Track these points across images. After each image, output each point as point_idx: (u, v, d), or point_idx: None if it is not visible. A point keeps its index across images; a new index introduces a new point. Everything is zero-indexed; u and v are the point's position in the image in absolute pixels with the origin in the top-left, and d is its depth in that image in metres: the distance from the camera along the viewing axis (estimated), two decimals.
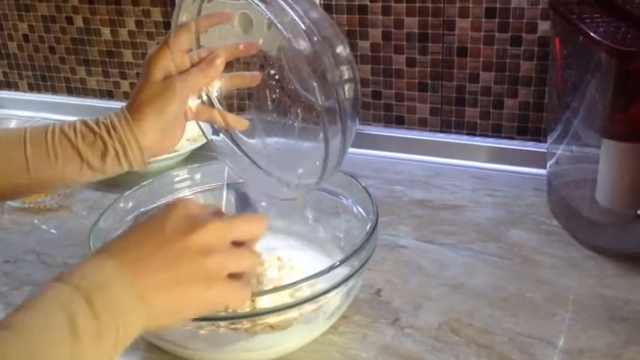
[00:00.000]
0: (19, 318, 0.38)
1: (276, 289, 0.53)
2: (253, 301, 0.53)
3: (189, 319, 0.46)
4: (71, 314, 0.38)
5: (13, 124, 1.17)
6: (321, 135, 0.51)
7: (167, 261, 0.43)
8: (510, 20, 0.87)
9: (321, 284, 0.54)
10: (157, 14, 1.07)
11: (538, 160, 0.87)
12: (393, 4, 0.92)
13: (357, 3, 0.94)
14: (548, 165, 0.81)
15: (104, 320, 0.39)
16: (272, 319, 0.53)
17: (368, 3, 0.93)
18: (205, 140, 0.98)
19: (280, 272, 0.63)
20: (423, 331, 0.60)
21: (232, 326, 0.54)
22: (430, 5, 0.90)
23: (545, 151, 0.83)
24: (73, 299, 0.39)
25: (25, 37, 1.21)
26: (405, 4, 0.91)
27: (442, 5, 0.89)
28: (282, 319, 0.54)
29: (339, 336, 0.60)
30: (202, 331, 0.54)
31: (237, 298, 0.47)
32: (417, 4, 0.90)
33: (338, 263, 0.55)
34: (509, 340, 0.59)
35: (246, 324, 0.53)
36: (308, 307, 0.54)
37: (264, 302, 0.53)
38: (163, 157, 0.93)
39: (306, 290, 0.54)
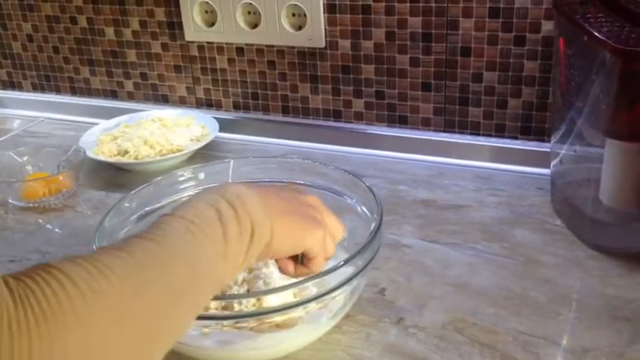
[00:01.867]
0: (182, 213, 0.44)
1: (282, 288, 0.53)
2: (259, 299, 0.53)
3: (300, 248, 0.52)
4: (219, 210, 0.44)
5: (16, 124, 1.18)
6: None
7: (289, 199, 0.53)
8: (514, 20, 0.87)
9: (325, 283, 0.54)
10: (160, 14, 1.08)
11: (541, 159, 0.87)
12: (396, 4, 0.92)
13: (360, 3, 0.94)
14: (551, 165, 0.81)
15: (244, 224, 0.45)
16: (279, 318, 0.53)
17: (371, 3, 0.93)
18: (209, 140, 0.99)
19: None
20: (427, 331, 0.60)
21: (238, 325, 0.54)
22: (433, 5, 0.90)
23: (548, 150, 0.83)
24: (219, 201, 0.45)
25: (29, 37, 1.21)
26: (408, 4, 0.91)
27: (445, 5, 0.89)
28: (288, 317, 0.54)
29: (344, 335, 0.60)
30: (206, 330, 0.55)
31: (331, 250, 0.55)
32: (421, 4, 0.91)
33: (343, 263, 0.55)
34: (513, 339, 0.59)
35: (252, 322, 0.53)
36: (313, 306, 0.54)
37: (270, 301, 0.53)
38: (168, 157, 0.94)
39: (311, 289, 0.54)
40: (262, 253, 0.48)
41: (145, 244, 0.40)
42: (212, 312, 0.54)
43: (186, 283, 0.40)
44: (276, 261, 0.55)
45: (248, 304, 0.54)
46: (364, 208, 0.66)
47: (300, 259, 0.54)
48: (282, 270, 0.54)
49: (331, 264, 0.55)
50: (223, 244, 0.43)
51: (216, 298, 0.56)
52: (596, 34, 0.62)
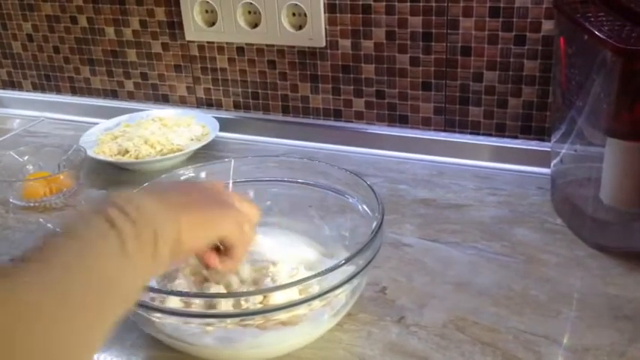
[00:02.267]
0: (66, 228, 0.41)
1: (287, 285, 0.53)
2: (265, 296, 0.53)
3: (213, 235, 0.51)
4: (110, 219, 0.41)
5: (16, 124, 1.18)
6: None
7: (190, 192, 0.51)
8: (514, 19, 0.87)
9: (327, 282, 0.54)
10: (161, 14, 1.08)
11: (541, 159, 0.87)
12: (396, 3, 0.92)
13: (360, 2, 0.94)
14: (552, 164, 0.81)
15: (140, 225, 0.42)
16: (284, 316, 0.53)
17: (372, 2, 0.94)
18: (209, 139, 0.99)
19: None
20: (429, 329, 0.60)
21: (243, 322, 0.54)
22: (434, 4, 0.90)
23: (548, 150, 0.83)
24: (108, 210, 0.42)
25: (29, 37, 1.21)
26: (408, 4, 0.91)
27: (446, 5, 0.89)
28: (293, 315, 0.54)
29: (345, 333, 0.60)
30: (209, 327, 0.55)
31: (250, 233, 0.54)
32: (421, 4, 0.91)
33: (343, 261, 0.55)
34: (514, 338, 0.59)
35: (258, 320, 0.54)
36: (317, 304, 0.54)
37: (277, 298, 0.53)
38: (168, 156, 0.94)
39: (315, 287, 0.54)
40: (175, 249, 0.46)
41: (32, 267, 0.37)
42: (216, 310, 0.54)
43: (85, 293, 0.38)
44: (199, 257, 0.54)
45: (255, 302, 0.54)
46: (365, 207, 0.67)
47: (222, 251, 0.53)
48: (207, 265, 0.53)
49: (332, 263, 0.55)
50: (118, 243, 0.41)
51: (221, 295, 0.56)
52: (596, 33, 0.62)
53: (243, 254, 0.54)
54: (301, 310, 0.54)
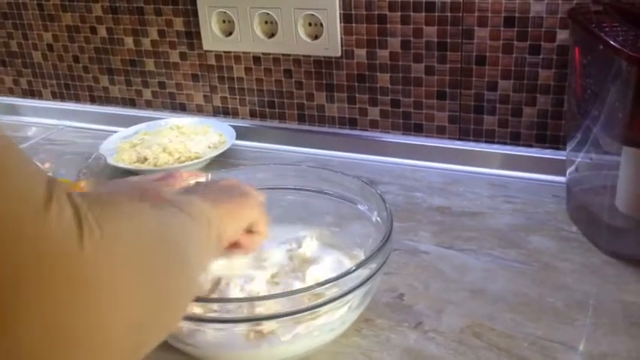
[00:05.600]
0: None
1: (294, 292, 0.54)
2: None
3: (245, 223, 0.57)
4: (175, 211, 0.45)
5: (36, 132, 1.20)
6: None
7: (217, 191, 0.56)
8: (529, 29, 0.88)
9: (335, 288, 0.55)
10: (179, 24, 1.10)
11: (556, 167, 0.87)
12: (412, 13, 0.93)
13: (376, 13, 0.95)
14: (567, 172, 0.81)
15: (197, 217, 0.47)
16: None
17: (387, 12, 0.95)
18: (226, 147, 1.00)
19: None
20: (446, 335, 0.61)
21: (258, 328, 0.55)
22: (449, 14, 0.91)
23: (563, 158, 0.84)
24: (166, 207, 0.45)
25: (50, 47, 1.23)
26: (424, 14, 0.93)
27: (461, 14, 0.91)
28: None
29: (363, 339, 0.61)
30: (221, 333, 0.56)
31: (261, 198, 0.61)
32: (436, 14, 0.92)
33: (354, 268, 0.56)
34: (531, 344, 0.59)
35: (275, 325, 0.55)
36: (333, 306, 0.55)
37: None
38: (186, 164, 0.95)
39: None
40: (219, 244, 0.52)
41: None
42: (223, 315, 0.55)
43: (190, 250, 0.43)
44: (236, 245, 0.57)
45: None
46: (378, 217, 0.67)
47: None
48: (246, 247, 0.59)
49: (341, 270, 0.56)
50: (204, 226, 0.48)
51: (232, 300, 0.57)
52: (612, 42, 0.63)
53: (266, 226, 0.60)
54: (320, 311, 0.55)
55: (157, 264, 0.37)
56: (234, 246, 0.58)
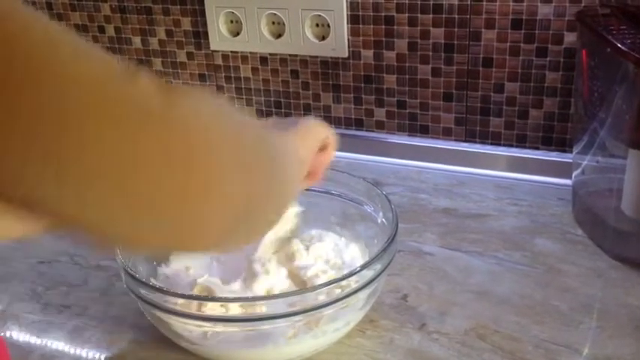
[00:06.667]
0: None
1: (298, 292, 0.55)
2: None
3: (319, 140, 0.57)
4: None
5: None
6: None
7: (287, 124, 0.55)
8: (536, 32, 0.88)
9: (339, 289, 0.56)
10: (186, 24, 1.10)
11: (562, 170, 0.87)
12: (419, 15, 0.93)
13: (383, 14, 0.95)
14: (573, 175, 0.81)
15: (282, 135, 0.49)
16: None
17: (394, 14, 0.95)
18: None
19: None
20: (450, 337, 0.61)
21: (262, 328, 0.56)
22: (456, 16, 0.91)
23: (569, 161, 0.84)
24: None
25: None
26: (431, 15, 0.93)
27: (468, 16, 0.91)
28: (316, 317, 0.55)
29: (367, 339, 0.61)
30: (224, 332, 0.56)
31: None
32: (444, 15, 0.92)
33: (359, 268, 0.56)
34: (535, 346, 0.59)
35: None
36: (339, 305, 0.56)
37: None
38: None
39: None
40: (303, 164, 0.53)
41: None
42: (232, 314, 0.55)
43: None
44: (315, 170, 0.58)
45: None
46: (383, 218, 0.67)
47: None
48: (318, 167, 0.59)
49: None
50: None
51: (235, 300, 0.57)
52: (619, 45, 0.63)
53: (335, 142, 0.61)
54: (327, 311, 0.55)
55: (248, 153, 0.37)
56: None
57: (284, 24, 1.01)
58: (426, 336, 0.61)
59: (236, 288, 0.62)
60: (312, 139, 0.56)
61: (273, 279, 0.62)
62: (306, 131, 0.55)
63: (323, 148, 0.58)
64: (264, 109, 1.11)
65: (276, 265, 0.64)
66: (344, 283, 0.55)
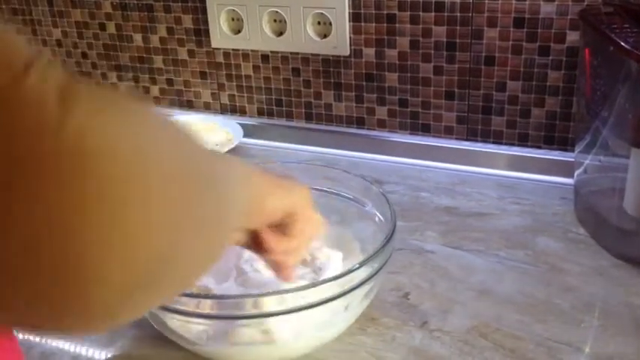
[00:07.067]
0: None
1: (294, 290, 0.54)
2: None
3: (283, 201, 0.48)
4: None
5: None
6: None
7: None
8: (539, 30, 0.87)
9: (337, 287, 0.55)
10: (188, 21, 1.10)
11: (564, 169, 0.87)
12: (421, 13, 0.93)
13: (385, 12, 0.95)
14: (575, 174, 0.81)
15: (236, 165, 0.41)
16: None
17: (396, 12, 0.95)
18: (233, 145, 1.00)
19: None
20: (452, 335, 0.61)
21: (260, 325, 0.55)
22: (458, 14, 0.91)
23: (571, 160, 0.83)
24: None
25: (59, 43, 1.24)
26: (433, 14, 0.92)
27: (470, 15, 0.90)
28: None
29: (368, 337, 0.61)
30: (222, 329, 0.56)
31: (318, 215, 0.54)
32: (446, 14, 0.92)
33: (358, 265, 0.56)
34: (537, 345, 0.59)
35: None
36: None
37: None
38: None
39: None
40: (258, 206, 0.44)
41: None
42: (231, 311, 0.55)
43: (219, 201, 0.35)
44: (260, 237, 0.49)
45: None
46: (381, 216, 0.67)
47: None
48: (268, 246, 0.49)
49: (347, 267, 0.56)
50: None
51: (236, 297, 0.57)
52: (622, 44, 0.63)
53: (308, 236, 0.52)
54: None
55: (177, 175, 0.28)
56: (258, 244, 0.49)
57: (285, 22, 1.01)
58: (428, 334, 0.61)
59: (229, 287, 0.61)
60: (284, 195, 0.47)
61: (265, 278, 0.62)
62: (285, 184, 0.48)
63: (296, 232, 0.49)
64: (265, 107, 1.11)
65: (264, 264, 0.63)
66: (341, 281, 0.55)
